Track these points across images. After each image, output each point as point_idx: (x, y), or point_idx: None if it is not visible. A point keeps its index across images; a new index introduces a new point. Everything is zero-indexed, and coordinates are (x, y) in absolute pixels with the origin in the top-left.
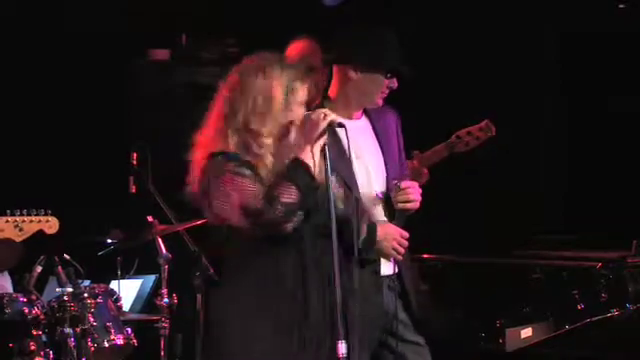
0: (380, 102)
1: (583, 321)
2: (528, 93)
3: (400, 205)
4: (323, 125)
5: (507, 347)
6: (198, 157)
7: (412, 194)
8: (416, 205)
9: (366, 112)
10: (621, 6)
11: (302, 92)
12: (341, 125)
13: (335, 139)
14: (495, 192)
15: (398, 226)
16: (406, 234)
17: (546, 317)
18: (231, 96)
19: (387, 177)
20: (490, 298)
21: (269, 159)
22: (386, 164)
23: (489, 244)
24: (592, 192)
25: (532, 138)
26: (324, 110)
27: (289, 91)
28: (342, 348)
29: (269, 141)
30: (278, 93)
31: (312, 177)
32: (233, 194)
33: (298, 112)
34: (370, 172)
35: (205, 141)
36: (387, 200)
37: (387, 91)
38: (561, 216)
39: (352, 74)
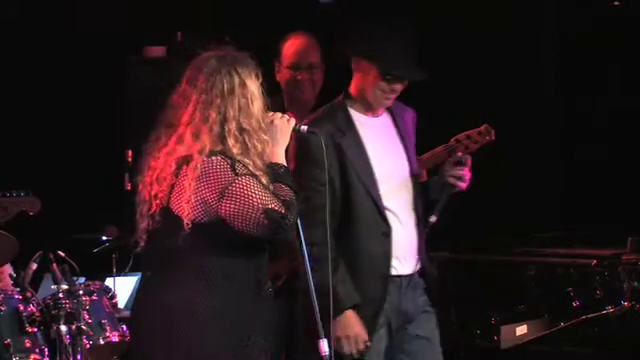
0: (388, 103)
1: (578, 318)
2: (525, 92)
3: (452, 180)
4: (288, 130)
5: (502, 344)
6: (182, 156)
7: (467, 174)
8: (464, 185)
9: (388, 109)
10: (616, 3)
11: (258, 85)
12: (311, 131)
13: (352, 136)
14: (491, 190)
15: (440, 203)
16: (366, 337)
17: (541, 314)
18: (211, 99)
19: (410, 172)
20: (485, 295)
21: (258, 161)
22: (409, 160)
23: (484, 241)
24: (587, 189)
25: (528, 136)
26: (280, 114)
27: (259, 86)
28: (324, 346)
29: (261, 142)
30: (256, 90)
31: (292, 180)
32: (254, 197)
33: (259, 105)
34: (390, 168)
35: (189, 143)
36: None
37: (391, 94)
38: (557, 213)
39: (356, 67)
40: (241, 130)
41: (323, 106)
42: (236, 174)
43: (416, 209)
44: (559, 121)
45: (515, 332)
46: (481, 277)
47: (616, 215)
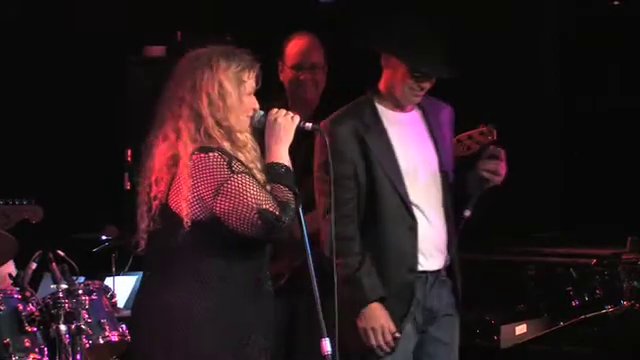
0: (416, 100)
1: (578, 318)
2: (525, 92)
3: (486, 174)
4: (292, 128)
5: (502, 344)
6: (171, 153)
7: (503, 168)
8: (500, 179)
9: (419, 105)
10: (616, 3)
11: (250, 82)
12: (315, 128)
13: (378, 131)
14: (491, 190)
15: (474, 198)
16: (393, 329)
17: (541, 314)
18: (185, 95)
19: (439, 168)
20: (485, 295)
21: (249, 155)
22: (439, 156)
23: (483, 241)
24: (587, 189)
25: (528, 136)
26: (284, 111)
27: (238, 83)
28: (326, 345)
29: (242, 136)
30: (228, 86)
31: (294, 179)
32: (248, 196)
33: (249, 103)
34: (417, 164)
35: (173, 141)
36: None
37: (420, 91)
38: (557, 213)
39: (385, 62)
40: (219, 126)
41: (349, 103)
42: (232, 171)
43: (445, 205)
44: (559, 121)
45: (515, 332)
46: (481, 277)
47: (616, 215)
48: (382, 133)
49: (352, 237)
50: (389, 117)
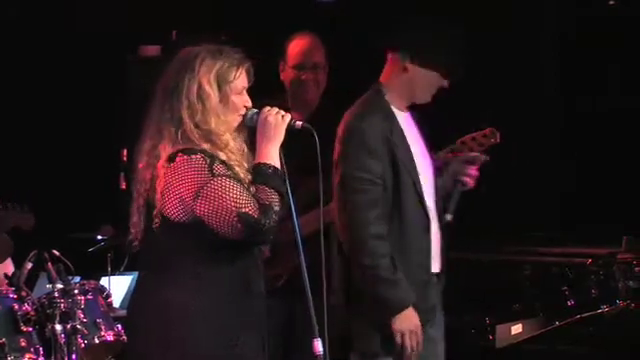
0: (429, 99)
1: (573, 317)
2: (525, 92)
3: (463, 178)
4: (283, 127)
5: (497, 343)
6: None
7: (475, 172)
8: (471, 182)
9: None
10: (611, 2)
11: (238, 81)
12: (304, 127)
13: (398, 130)
14: (490, 190)
15: (454, 202)
16: (420, 334)
17: (536, 313)
18: (167, 98)
19: (433, 167)
20: (480, 294)
21: (231, 155)
22: (430, 156)
23: (479, 241)
24: (588, 189)
25: (528, 136)
26: (276, 110)
27: (222, 83)
28: (318, 345)
29: (224, 137)
30: (209, 88)
31: (283, 180)
32: (227, 200)
33: (239, 102)
34: (426, 165)
35: (156, 142)
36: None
37: (435, 91)
38: (557, 213)
39: (409, 65)
40: (198, 128)
41: (363, 97)
42: (213, 175)
43: (438, 207)
44: (559, 121)
45: (510, 331)
46: (476, 276)
47: (616, 215)
48: (401, 132)
49: (385, 237)
50: (399, 117)
